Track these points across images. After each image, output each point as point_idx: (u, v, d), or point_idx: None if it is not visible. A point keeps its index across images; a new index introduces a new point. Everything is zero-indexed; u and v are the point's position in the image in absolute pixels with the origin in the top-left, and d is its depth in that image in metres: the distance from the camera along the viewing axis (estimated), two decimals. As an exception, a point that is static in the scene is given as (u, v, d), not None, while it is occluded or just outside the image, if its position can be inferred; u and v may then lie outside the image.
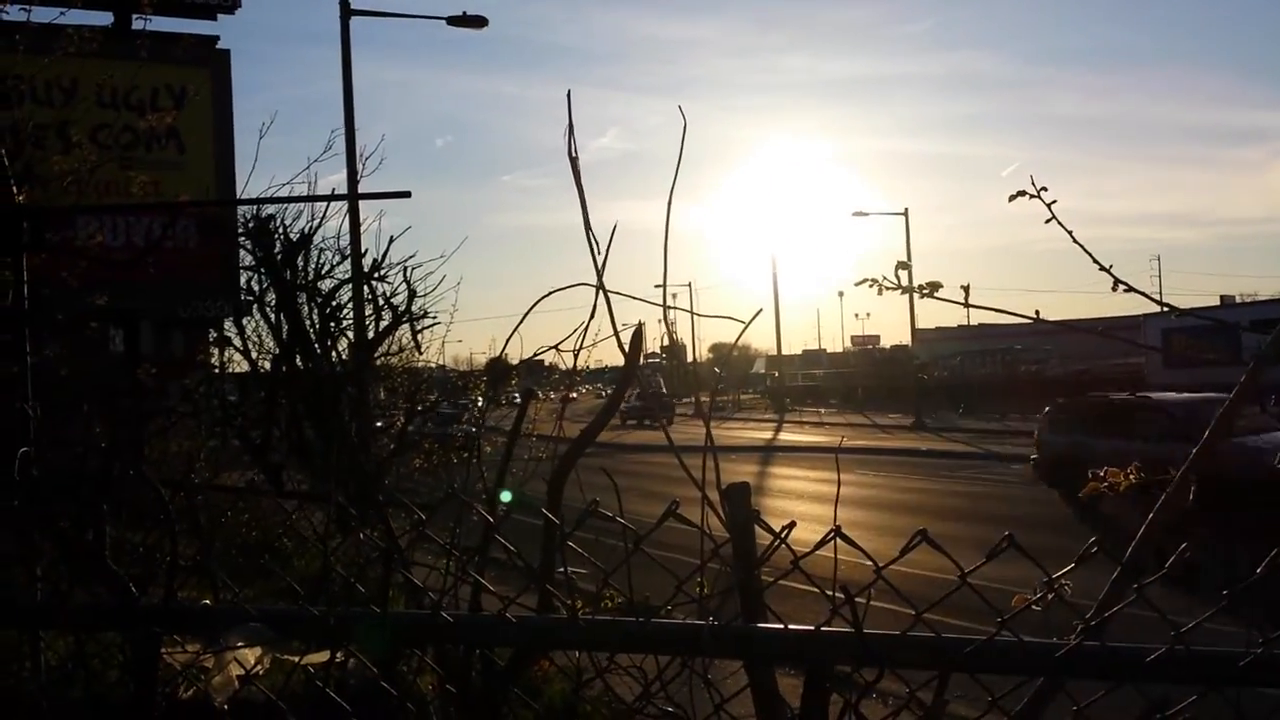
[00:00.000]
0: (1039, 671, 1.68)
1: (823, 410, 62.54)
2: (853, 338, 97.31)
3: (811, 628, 1.75)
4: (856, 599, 1.78)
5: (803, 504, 21.59)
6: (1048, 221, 2.91)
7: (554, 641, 1.84)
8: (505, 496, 2.75)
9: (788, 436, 44.25)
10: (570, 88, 2.81)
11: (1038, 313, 3.18)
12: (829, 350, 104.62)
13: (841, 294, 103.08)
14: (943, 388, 57.49)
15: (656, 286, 3.08)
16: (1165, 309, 3.49)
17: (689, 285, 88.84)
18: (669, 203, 2.77)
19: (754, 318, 2.62)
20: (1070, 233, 2.95)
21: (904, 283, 2.81)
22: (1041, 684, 1.96)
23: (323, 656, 1.88)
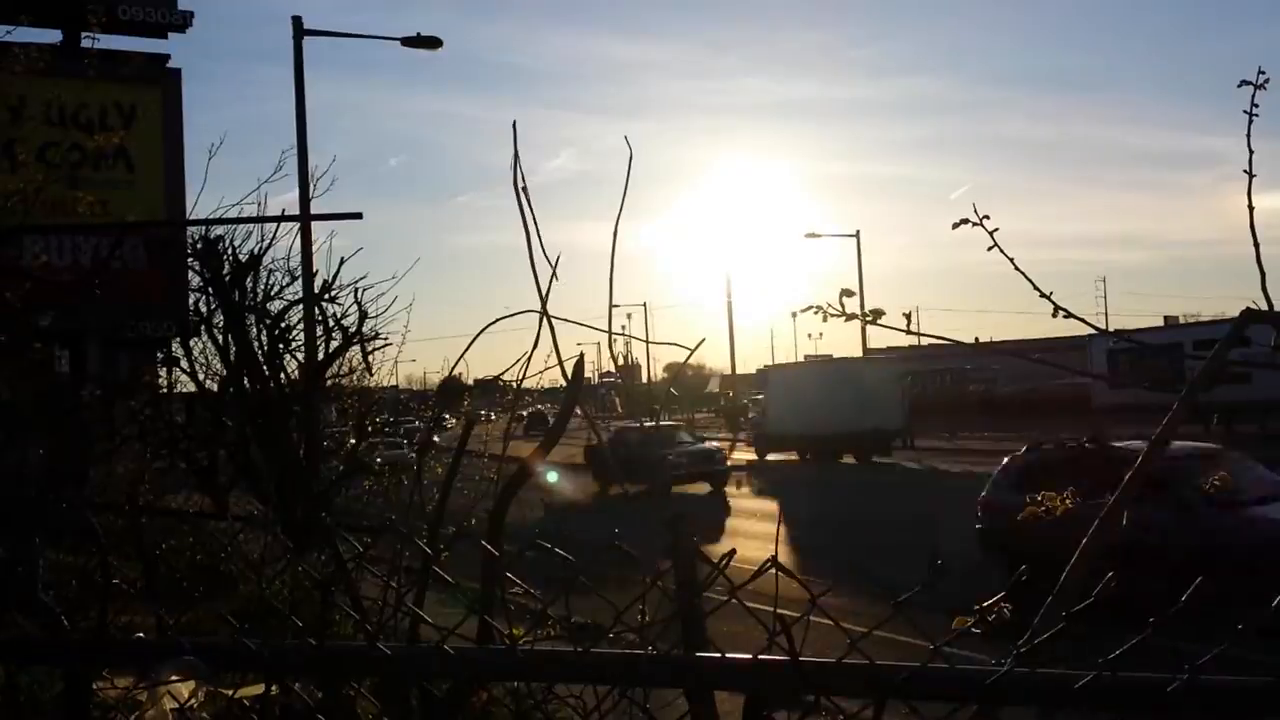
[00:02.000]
0: (970, 698, 1.70)
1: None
2: (805, 357, 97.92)
3: (749, 656, 1.76)
4: (799, 619, 1.79)
5: (755, 522, 21.68)
6: (990, 249, 2.97)
7: (492, 674, 1.84)
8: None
9: (742, 455, 44.40)
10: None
11: (977, 339, 3.24)
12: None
13: (795, 315, 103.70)
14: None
15: (613, 306, 3.09)
16: (1104, 334, 3.55)
17: (643, 305, 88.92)
18: (615, 231, 2.79)
19: (698, 345, 2.65)
20: (1012, 260, 3.00)
21: (847, 310, 2.86)
22: (975, 711, 1.98)
23: (258, 689, 1.86)
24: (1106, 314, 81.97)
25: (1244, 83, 2.73)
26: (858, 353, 52.32)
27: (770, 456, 39.58)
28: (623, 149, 2.70)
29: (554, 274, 2.55)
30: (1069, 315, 3.05)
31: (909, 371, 67.36)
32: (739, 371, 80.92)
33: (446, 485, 2.77)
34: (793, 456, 37.82)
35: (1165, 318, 67.29)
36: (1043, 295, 3.00)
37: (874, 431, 36.08)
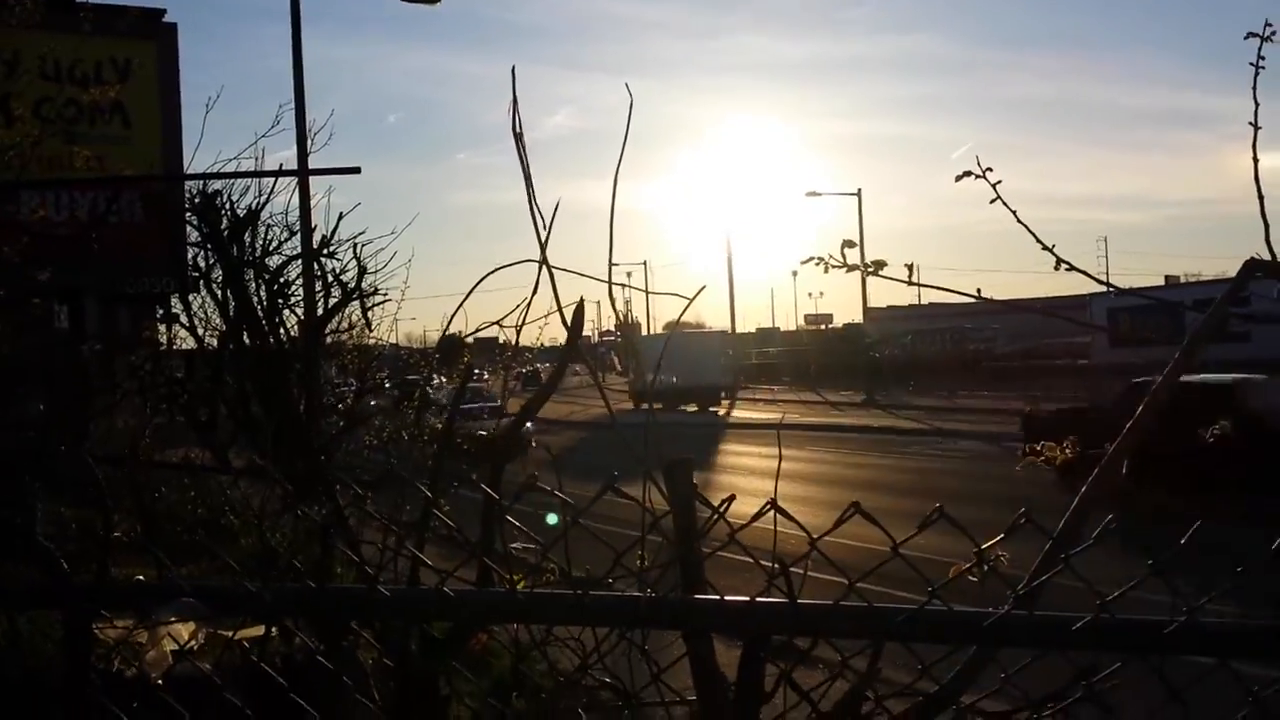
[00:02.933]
0: (968, 639, 1.71)
1: (776, 388, 62.93)
2: (806, 316, 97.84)
3: (747, 599, 1.76)
4: (793, 570, 1.79)
5: (752, 479, 21.75)
6: (993, 201, 2.96)
7: (492, 615, 1.84)
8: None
9: (741, 414, 44.48)
10: (524, 65, 2.81)
11: (979, 291, 3.24)
12: (783, 329, 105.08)
13: (795, 273, 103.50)
14: (893, 366, 58.00)
15: (613, 265, 3.08)
16: (1107, 288, 3.54)
17: (644, 264, 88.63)
18: (615, 180, 2.77)
19: (697, 294, 2.65)
20: (1014, 212, 2.99)
21: (848, 261, 2.85)
22: (974, 652, 1.99)
23: (258, 631, 1.87)
24: (1108, 273, 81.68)
25: (1250, 34, 2.71)
26: (858, 313, 54.67)
27: (643, 406, 42.97)
28: (622, 108, 2.68)
29: (552, 221, 2.53)
30: (1071, 268, 3.04)
31: (909, 331, 67.50)
32: (739, 330, 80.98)
33: (446, 434, 2.76)
34: (659, 406, 41.56)
35: (1166, 277, 67.16)
36: (1045, 248, 2.99)
37: (709, 387, 47.17)
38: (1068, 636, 1.63)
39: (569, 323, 2.47)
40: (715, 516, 1.99)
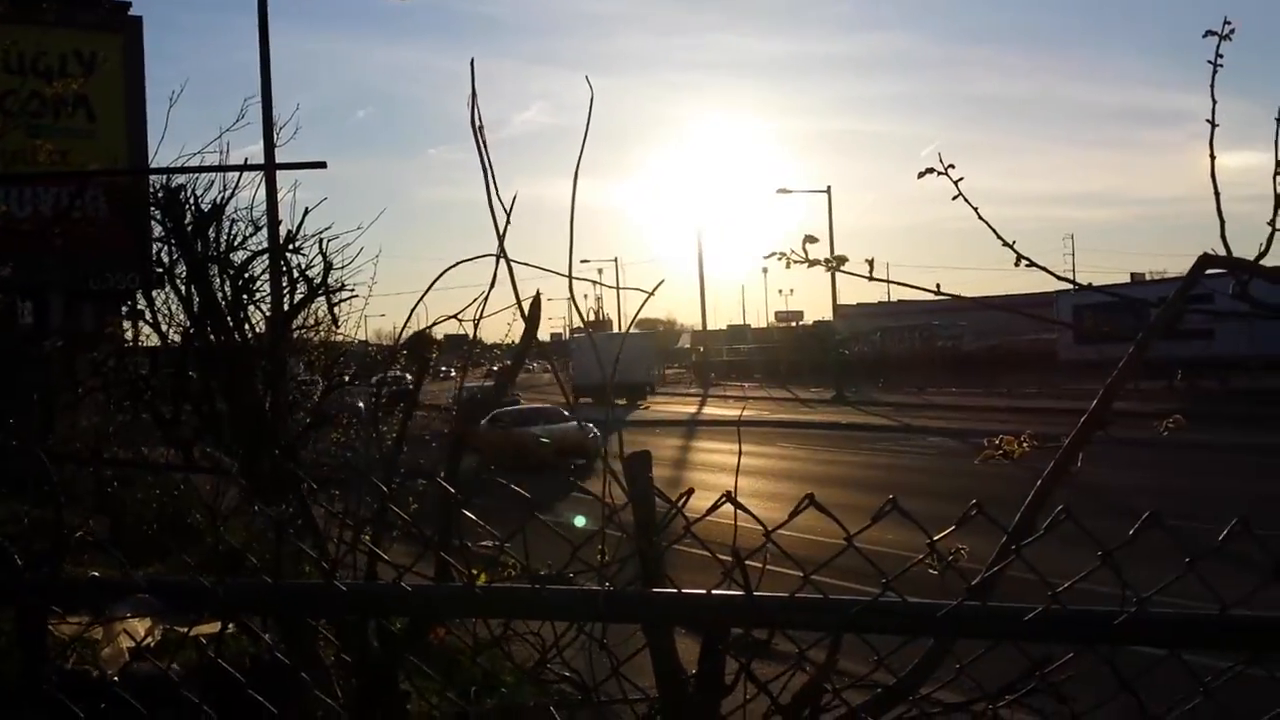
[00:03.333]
0: (922, 631, 1.72)
1: (746, 385, 63.05)
2: (777, 313, 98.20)
3: (704, 591, 1.77)
4: (751, 563, 1.80)
5: (720, 475, 21.78)
6: (955, 198, 2.98)
7: (448, 609, 1.84)
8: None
9: (711, 411, 44.55)
10: (496, 60, 2.82)
11: (939, 286, 3.26)
12: (754, 325, 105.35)
13: (766, 270, 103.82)
14: (863, 362, 58.30)
15: (583, 262, 3.10)
16: (1073, 285, 3.57)
17: (615, 260, 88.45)
18: (575, 176, 2.77)
19: (655, 289, 2.66)
20: (976, 209, 3.02)
21: (810, 256, 2.87)
22: (931, 644, 2.01)
23: (214, 628, 1.86)
24: (1074, 270, 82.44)
25: (1209, 33, 2.75)
26: (828, 311, 55.84)
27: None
28: (596, 103, 2.67)
29: (509, 213, 2.53)
30: (1031, 264, 3.08)
31: (878, 328, 67.82)
32: (710, 327, 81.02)
33: (402, 429, 2.75)
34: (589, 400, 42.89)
35: (1131, 274, 67.85)
36: (1005, 244, 3.01)
37: (636, 384, 50.72)
38: (1019, 627, 1.64)
39: (526, 316, 2.47)
40: (674, 511, 1.99)
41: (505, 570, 2.22)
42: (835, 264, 2.90)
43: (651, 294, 2.53)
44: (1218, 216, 2.78)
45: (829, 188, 52.99)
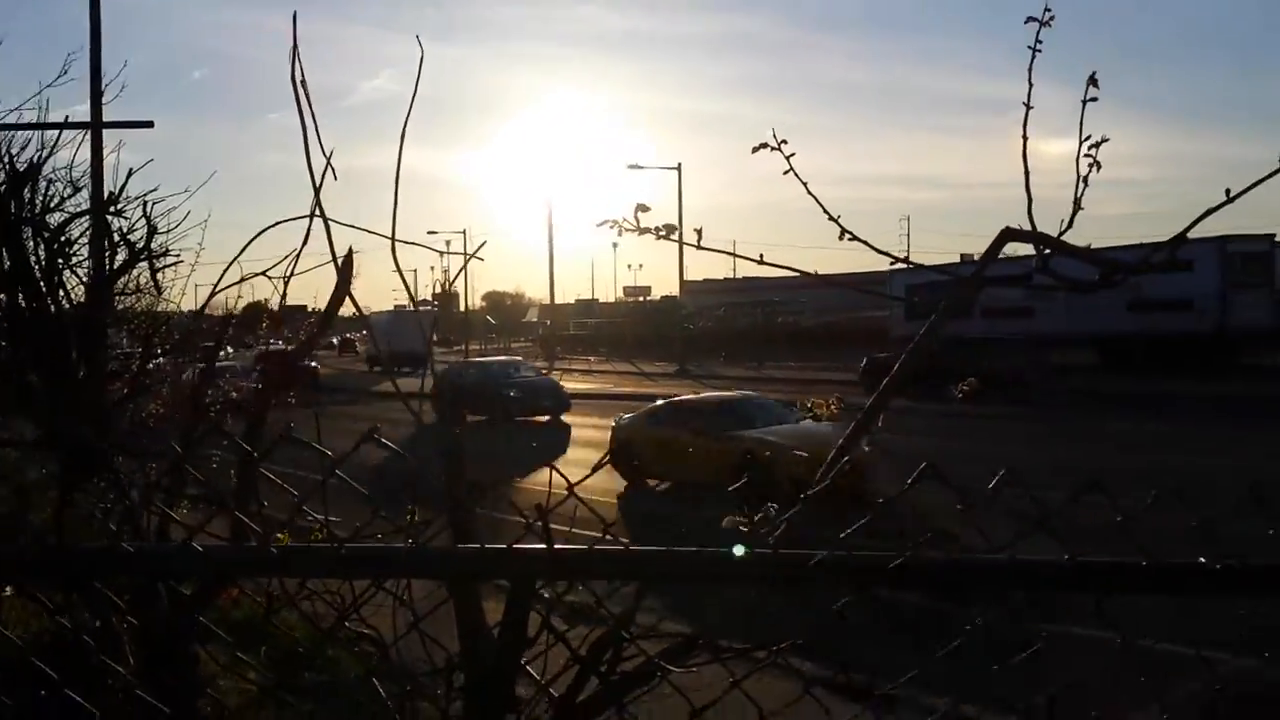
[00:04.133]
0: (720, 577, 1.77)
1: (593, 359, 63.34)
2: (625, 288, 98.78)
3: (504, 546, 1.78)
4: (559, 504, 1.82)
5: (555, 450, 21.89)
6: (786, 173, 3.06)
7: (239, 569, 1.80)
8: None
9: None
10: (343, 25, 2.73)
11: (761, 256, 3.34)
12: (602, 300, 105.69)
13: (616, 245, 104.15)
14: (707, 337, 59.27)
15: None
16: (895, 261, 3.72)
17: (463, 232, 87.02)
18: (401, 137, 2.72)
19: (478, 250, 2.65)
20: (805, 184, 3.10)
21: (642, 225, 2.91)
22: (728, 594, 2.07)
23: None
24: (909, 249, 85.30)
25: (1030, 19, 2.89)
26: (675, 284, 56.93)
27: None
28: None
29: (324, 172, 2.47)
30: (854, 238, 3.19)
31: (723, 304, 68.99)
32: (559, 301, 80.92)
33: (200, 390, 2.67)
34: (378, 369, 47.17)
35: (961, 255, 70.74)
36: (831, 218, 3.11)
37: (414, 354, 49.73)
38: (808, 572, 1.71)
39: (339, 273, 2.42)
40: (486, 488, 2.00)
41: (313, 533, 2.18)
42: (665, 233, 2.95)
43: (471, 256, 2.52)
44: (1027, 195, 2.93)
45: (679, 165, 53.57)
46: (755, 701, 1.85)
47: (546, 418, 29.83)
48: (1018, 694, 2.28)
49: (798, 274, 3.46)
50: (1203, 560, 1.55)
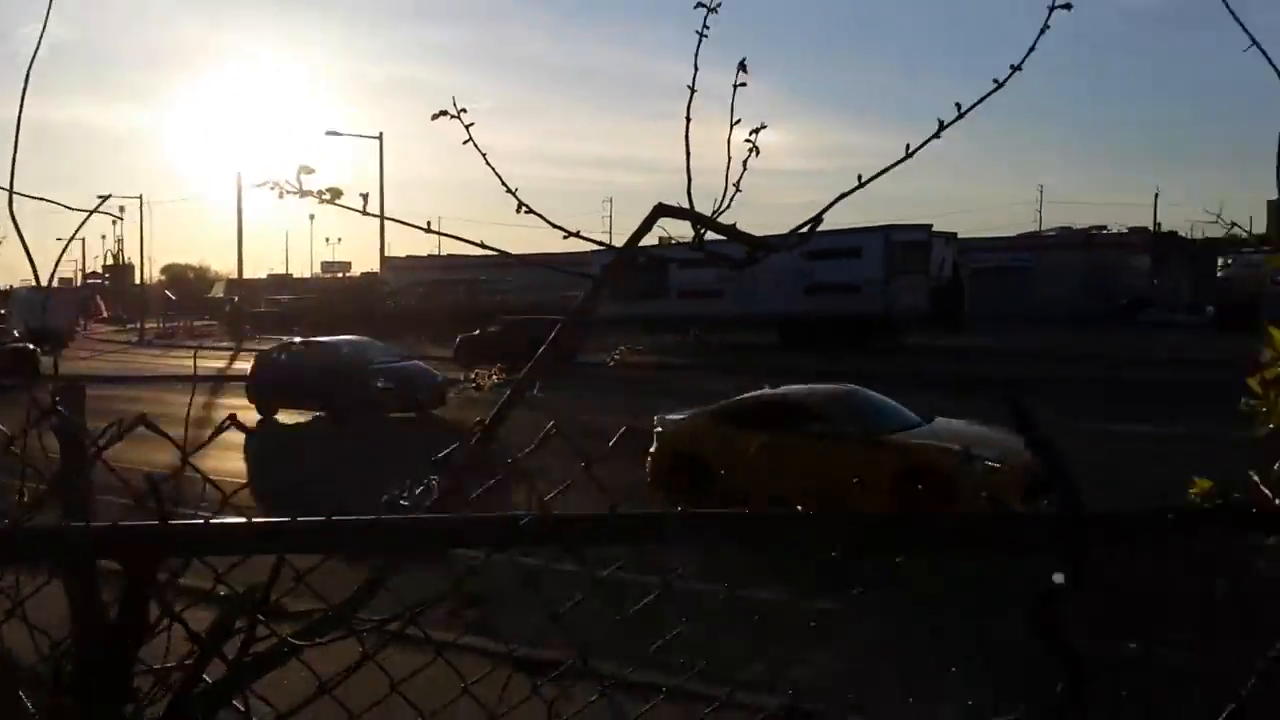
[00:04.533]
0: (334, 547, 1.73)
1: (286, 337, 60.80)
2: (323, 263, 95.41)
3: (111, 523, 1.66)
4: (169, 478, 1.72)
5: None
6: (465, 143, 3.02)
7: None
8: None
9: (243, 365, 42.49)
10: None
11: (429, 224, 3.29)
12: (297, 275, 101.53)
13: (313, 217, 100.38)
14: (410, 315, 58.32)
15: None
16: (568, 236, 3.75)
17: (140, 198, 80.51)
18: (25, 82, 2.46)
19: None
20: (484, 155, 3.05)
21: (305, 187, 2.79)
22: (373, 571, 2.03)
23: None
24: (611, 232, 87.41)
25: (699, 4, 2.98)
26: (376, 260, 55.10)
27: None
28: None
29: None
30: (530, 211, 3.20)
31: (422, 281, 68.01)
32: (249, 276, 76.88)
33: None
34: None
35: (660, 237, 73.20)
36: (509, 190, 3.10)
37: (56, 330, 52.44)
38: (583, 535, 1.71)
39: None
40: (94, 455, 1.88)
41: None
42: (330, 197, 2.85)
43: (91, 213, 2.32)
44: (687, 175, 3.04)
45: (380, 134, 52.27)
46: (386, 671, 1.83)
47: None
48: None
49: (497, 253, 3.42)
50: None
